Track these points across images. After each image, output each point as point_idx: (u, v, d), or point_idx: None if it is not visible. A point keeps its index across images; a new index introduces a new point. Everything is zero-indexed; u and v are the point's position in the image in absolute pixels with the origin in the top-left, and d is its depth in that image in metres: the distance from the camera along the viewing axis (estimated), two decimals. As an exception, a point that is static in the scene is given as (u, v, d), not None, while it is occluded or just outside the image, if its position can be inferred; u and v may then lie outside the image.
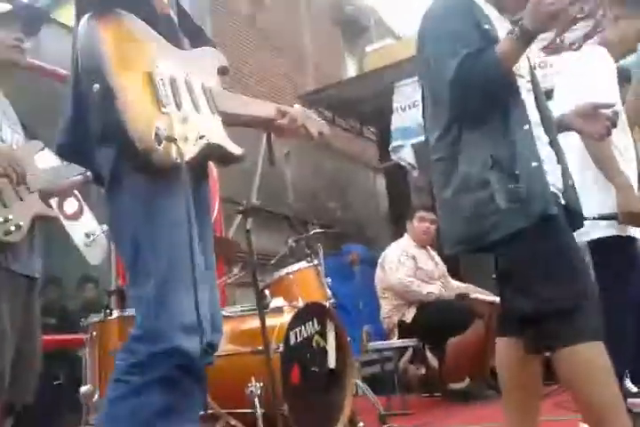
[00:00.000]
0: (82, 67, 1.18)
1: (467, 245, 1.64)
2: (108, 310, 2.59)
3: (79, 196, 3.36)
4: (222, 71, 1.43)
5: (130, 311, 2.63)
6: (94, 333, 2.55)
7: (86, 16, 1.18)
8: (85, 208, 3.41)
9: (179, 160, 1.16)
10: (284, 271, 3.08)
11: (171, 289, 1.16)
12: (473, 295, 3.60)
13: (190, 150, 1.21)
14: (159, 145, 1.13)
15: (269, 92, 7.41)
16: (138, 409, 1.10)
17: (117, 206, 1.24)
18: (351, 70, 9.40)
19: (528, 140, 1.58)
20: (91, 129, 1.20)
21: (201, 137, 1.25)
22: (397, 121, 5.64)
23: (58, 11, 5.17)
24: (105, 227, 3.47)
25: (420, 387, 4.10)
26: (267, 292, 2.97)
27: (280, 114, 1.51)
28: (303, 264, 3.14)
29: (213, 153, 1.30)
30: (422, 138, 5.48)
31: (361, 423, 2.78)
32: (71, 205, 3.33)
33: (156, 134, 1.14)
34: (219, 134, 1.32)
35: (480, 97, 1.55)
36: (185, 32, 1.43)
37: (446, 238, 1.70)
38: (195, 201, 1.26)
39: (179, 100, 1.23)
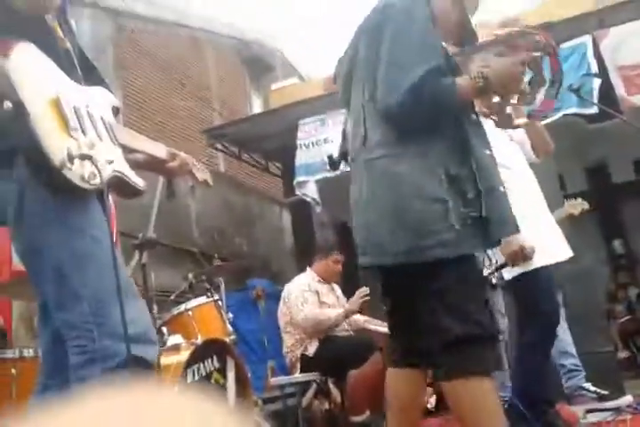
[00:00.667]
0: None
1: (406, 256, 1.51)
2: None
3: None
4: (115, 112, 1.46)
5: (12, 354, 2.44)
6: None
7: None
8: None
9: (94, 180, 1.17)
10: (182, 307, 3.01)
11: (107, 305, 1.16)
12: (372, 328, 3.66)
13: (99, 174, 1.21)
14: (71, 164, 1.14)
15: (174, 126, 7.35)
16: None
17: (29, 234, 1.21)
18: (257, 107, 9.53)
19: (491, 163, 1.59)
20: None
21: (110, 162, 1.26)
22: (301, 157, 5.75)
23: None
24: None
25: (325, 422, 4.07)
26: (164, 329, 2.88)
27: (172, 156, 1.55)
28: (202, 299, 3.09)
29: (118, 182, 1.31)
30: (326, 174, 5.69)
31: (261, 464, 2.72)
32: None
33: (68, 153, 1.14)
34: (123, 164, 1.34)
35: (426, 116, 1.52)
36: (80, 69, 1.45)
37: (379, 247, 1.55)
38: None
39: (84, 127, 1.25)
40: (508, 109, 1.76)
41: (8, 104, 1.11)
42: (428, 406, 4.02)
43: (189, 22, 8.21)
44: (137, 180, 1.37)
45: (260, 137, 6.95)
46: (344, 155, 2.03)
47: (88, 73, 1.44)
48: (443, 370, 1.51)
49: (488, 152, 1.61)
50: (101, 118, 1.34)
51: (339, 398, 3.94)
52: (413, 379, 1.67)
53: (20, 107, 1.12)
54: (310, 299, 3.62)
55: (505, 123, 1.73)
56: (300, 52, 11.10)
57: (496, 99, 1.64)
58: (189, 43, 8.20)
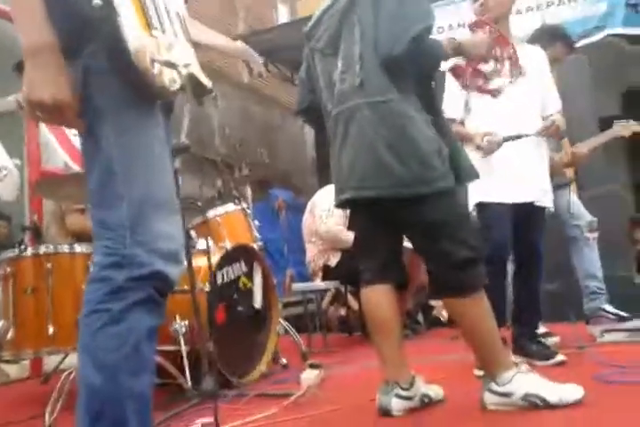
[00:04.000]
0: None
1: (416, 188, 1.74)
2: (22, 247, 2.46)
3: (-11, 127, 3.13)
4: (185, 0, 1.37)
5: (45, 249, 2.51)
6: (8, 269, 2.43)
7: None
8: (-4, 140, 3.18)
9: (173, 86, 1.11)
10: (211, 213, 3.03)
11: (147, 213, 1.10)
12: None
13: (180, 79, 1.15)
14: (153, 68, 1.07)
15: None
16: (125, 335, 1.04)
17: (88, 122, 1.13)
18: (283, 16, 9.12)
19: (446, 122, 1.92)
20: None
21: (186, 66, 1.18)
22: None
23: None
24: (17, 161, 3.25)
25: (340, 327, 4.25)
26: (193, 233, 2.93)
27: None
28: (231, 207, 3.11)
29: (192, 84, 1.24)
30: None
31: (284, 360, 2.85)
32: (-20, 136, 3.09)
33: (151, 58, 1.07)
34: (196, 64, 1.27)
35: (421, 65, 1.79)
36: None
37: (387, 180, 1.76)
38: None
39: (163, 24, 1.17)
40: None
41: (97, 2, 1.04)
42: (442, 318, 4.18)
43: None
44: (206, 80, 1.31)
45: (286, 47, 6.70)
46: (311, 108, 2.06)
47: None
48: (450, 288, 1.75)
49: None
50: (175, 11, 1.26)
51: (355, 306, 4.08)
52: (390, 293, 1.87)
53: (110, 4, 1.05)
54: (336, 212, 3.63)
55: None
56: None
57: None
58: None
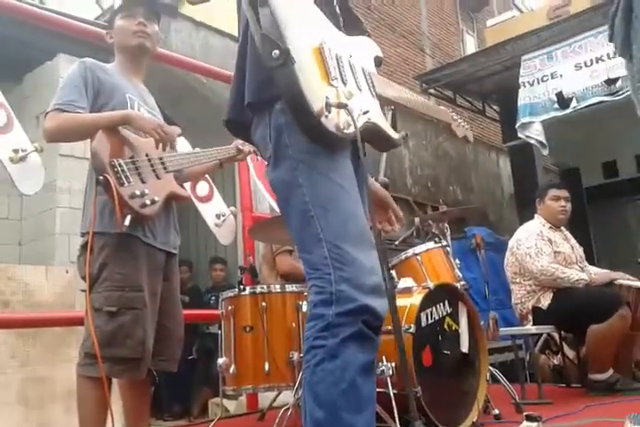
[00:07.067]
0: (263, 31, 1.17)
1: None
2: (241, 286, 2.64)
3: (209, 179, 3.48)
4: (378, 62, 1.45)
5: (260, 288, 2.67)
6: (229, 307, 2.62)
7: None
8: (215, 191, 3.53)
9: (347, 129, 1.18)
10: (410, 252, 3.00)
11: (347, 251, 1.15)
12: (620, 281, 3.31)
13: (354, 123, 1.22)
14: (328, 112, 1.16)
15: (385, 73, 7.30)
16: (340, 370, 1.08)
17: (282, 175, 1.24)
18: (470, 47, 9.03)
19: None
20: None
21: (365, 112, 1.26)
22: (525, 96, 5.31)
23: (185, 5, 5.38)
24: (233, 209, 3.57)
25: (553, 377, 3.86)
26: (393, 272, 2.91)
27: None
28: (431, 244, 3.04)
29: (373, 133, 1.31)
30: (553, 114, 5.22)
31: (496, 411, 2.65)
32: (203, 188, 3.45)
33: (327, 103, 1.16)
34: (379, 116, 1.34)
35: None
36: (344, 20, 1.45)
37: None
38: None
39: (344, 76, 1.25)
40: None
41: (276, 52, 1.13)
42: None
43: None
44: (391, 132, 1.35)
45: (475, 78, 6.62)
46: None
47: (351, 23, 1.45)
48: None
49: None
50: (362, 69, 1.35)
51: (572, 354, 3.69)
52: None
53: (286, 54, 1.13)
54: (545, 248, 3.36)
55: None
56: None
57: None
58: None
